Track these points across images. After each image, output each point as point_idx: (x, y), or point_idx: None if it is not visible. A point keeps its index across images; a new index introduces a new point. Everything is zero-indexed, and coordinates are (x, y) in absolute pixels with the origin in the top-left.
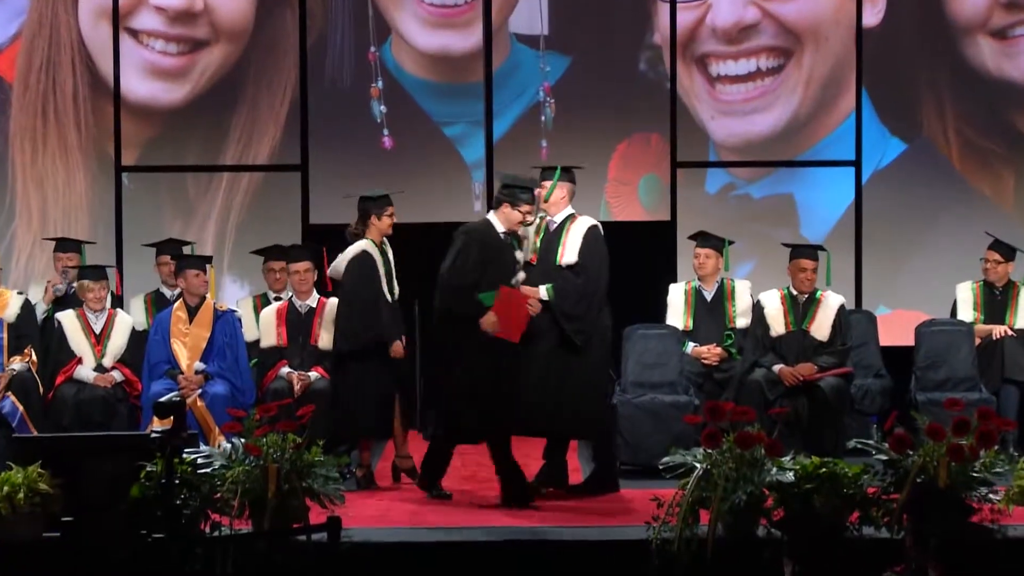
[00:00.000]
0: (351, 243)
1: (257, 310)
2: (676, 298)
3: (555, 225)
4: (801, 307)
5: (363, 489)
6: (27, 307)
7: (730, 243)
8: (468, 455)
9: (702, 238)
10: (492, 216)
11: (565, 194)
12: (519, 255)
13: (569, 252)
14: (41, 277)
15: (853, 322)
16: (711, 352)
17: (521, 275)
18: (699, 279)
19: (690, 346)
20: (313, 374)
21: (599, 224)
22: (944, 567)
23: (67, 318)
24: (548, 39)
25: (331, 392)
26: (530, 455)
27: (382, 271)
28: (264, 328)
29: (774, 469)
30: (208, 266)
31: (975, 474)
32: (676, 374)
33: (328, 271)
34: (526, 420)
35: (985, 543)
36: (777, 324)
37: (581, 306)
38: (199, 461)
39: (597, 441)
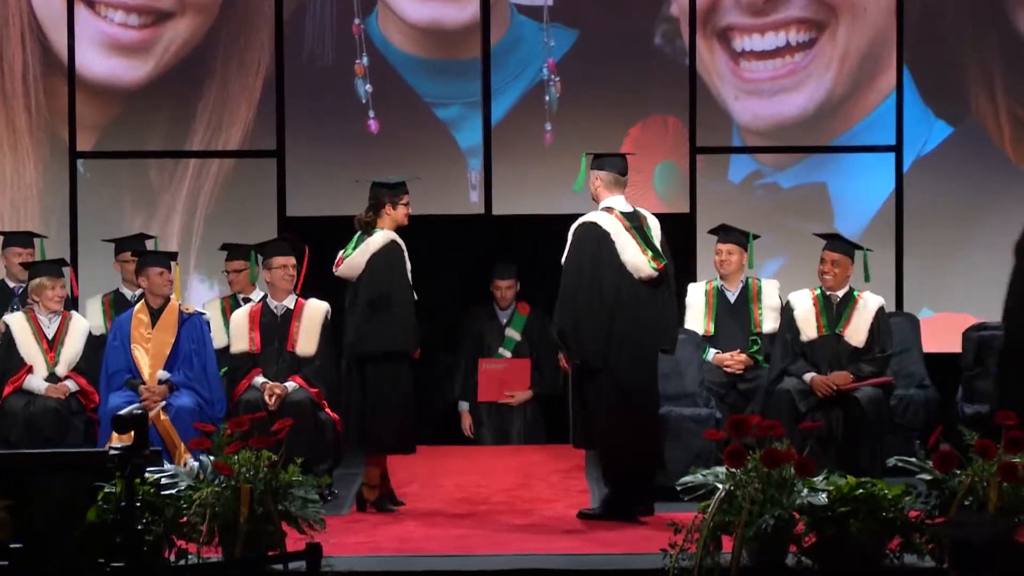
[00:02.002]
0: (363, 233)
1: (226, 313)
2: (696, 299)
3: None
4: (835, 309)
5: (381, 511)
6: None
7: (755, 237)
8: (465, 475)
9: (724, 232)
10: None
11: (598, 186)
12: None
13: None
14: None
15: (893, 326)
16: (735, 359)
17: None
18: (721, 278)
19: (711, 353)
20: (290, 384)
21: (593, 221)
22: None
23: (16, 321)
24: (552, 10)
25: (354, 400)
26: (533, 474)
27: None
28: (235, 332)
29: (805, 490)
30: (173, 263)
31: None
32: (696, 384)
33: (339, 269)
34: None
35: None
36: (808, 328)
37: (556, 316)
38: (163, 481)
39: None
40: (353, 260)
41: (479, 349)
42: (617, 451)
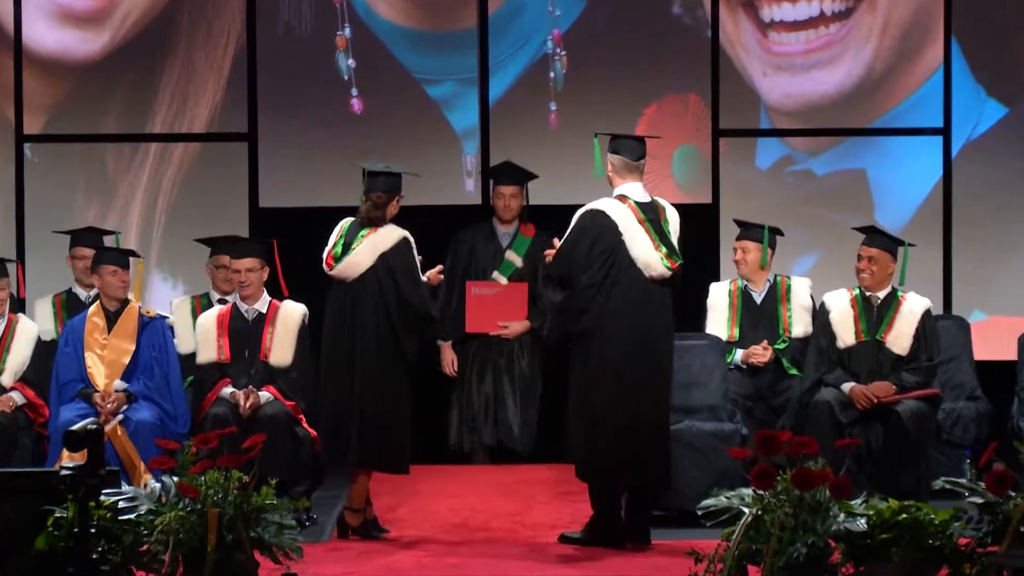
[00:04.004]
0: (364, 226)
1: (196, 314)
2: (719, 301)
3: None
4: (876, 312)
5: (365, 538)
6: None
7: (771, 231)
8: (460, 497)
9: (743, 228)
10: None
11: (609, 171)
12: None
13: None
14: None
15: (941, 330)
16: (764, 351)
17: None
18: (745, 277)
19: (738, 354)
20: (264, 394)
21: (600, 210)
22: None
23: None
24: None
25: (355, 414)
26: (535, 497)
27: None
28: (202, 339)
29: (841, 515)
30: (136, 260)
31: None
32: (719, 396)
33: (337, 268)
34: None
35: None
36: (845, 333)
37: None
38: (121, 505)
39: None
40: (357, 258)
41: (468, 274)
42: (615, 468)
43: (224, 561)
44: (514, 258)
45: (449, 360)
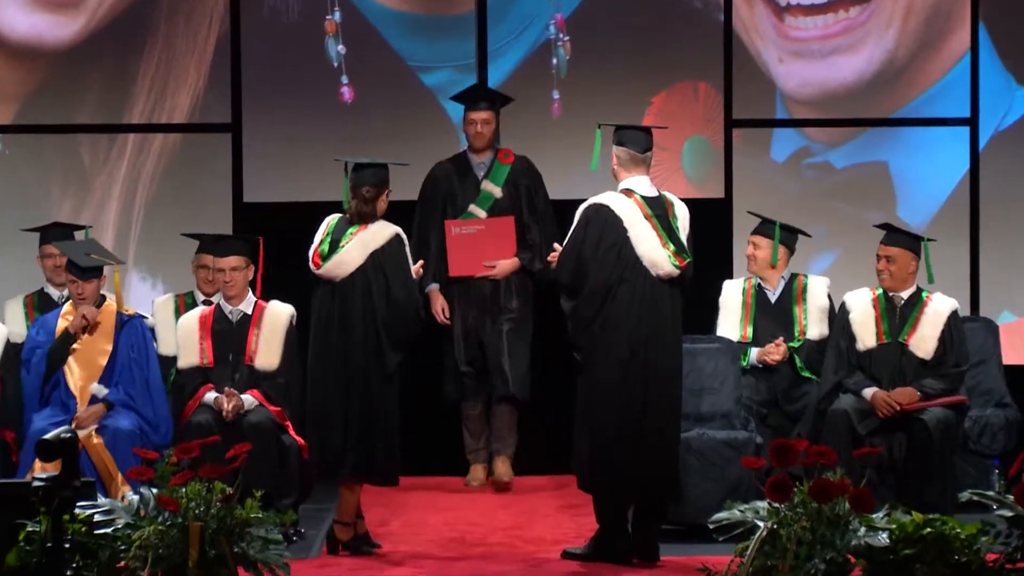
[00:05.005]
0: (353, 223)
1: (180, 314)
2: (731, 299)
3: None
4: (899, 313)
5: (356, 554)
6: None
7: (783, 229)
8: (456, 511)
9: (760, 222)
10: None
11: (614, 164)
12: None
13: None
14: None
15: (968, 333)
16: (777, 349)
17: None
18: (756, 274)
19: (753, 353)
20: (247, 398)
21: (604, 204)
22: None
23: None
24: None
25: (352, 421)
26: (536, 511)
27: None
28: (183, 341)
29: (862, 529)
30: (112, 268)
31: None
32: (732, 402)
33: (325, 267)
34: None
35: None
36: (866, 335)
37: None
38: (97, 518)
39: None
40: (347, 256)
41: (448, 213)
42: (619, 482)
43: None
44: (492, 188)
45: (440, 306)
